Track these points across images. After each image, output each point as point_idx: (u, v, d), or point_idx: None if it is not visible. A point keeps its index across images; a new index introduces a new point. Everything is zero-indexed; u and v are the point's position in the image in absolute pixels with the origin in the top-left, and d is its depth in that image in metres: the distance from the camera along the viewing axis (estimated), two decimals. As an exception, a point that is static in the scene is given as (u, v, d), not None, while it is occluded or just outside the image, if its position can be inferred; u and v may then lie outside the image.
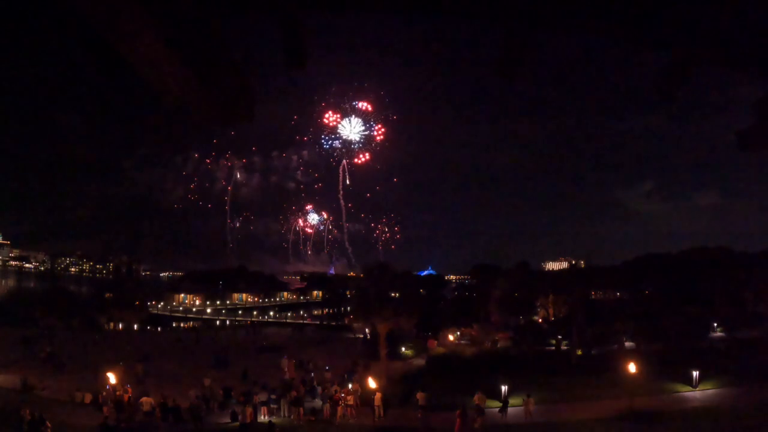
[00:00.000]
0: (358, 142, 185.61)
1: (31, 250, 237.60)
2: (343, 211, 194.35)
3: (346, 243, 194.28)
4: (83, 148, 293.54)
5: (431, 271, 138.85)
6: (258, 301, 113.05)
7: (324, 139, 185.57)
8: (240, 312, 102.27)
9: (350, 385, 30.50)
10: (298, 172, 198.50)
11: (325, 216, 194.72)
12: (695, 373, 28.78)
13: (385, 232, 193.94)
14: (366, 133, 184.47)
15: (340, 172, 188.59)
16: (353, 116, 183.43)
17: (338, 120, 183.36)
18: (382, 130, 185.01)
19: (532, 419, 25.17)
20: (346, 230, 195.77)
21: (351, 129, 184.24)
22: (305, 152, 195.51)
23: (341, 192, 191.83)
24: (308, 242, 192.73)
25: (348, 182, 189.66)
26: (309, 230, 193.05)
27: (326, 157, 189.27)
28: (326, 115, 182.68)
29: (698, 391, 28.40)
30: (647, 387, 27.40)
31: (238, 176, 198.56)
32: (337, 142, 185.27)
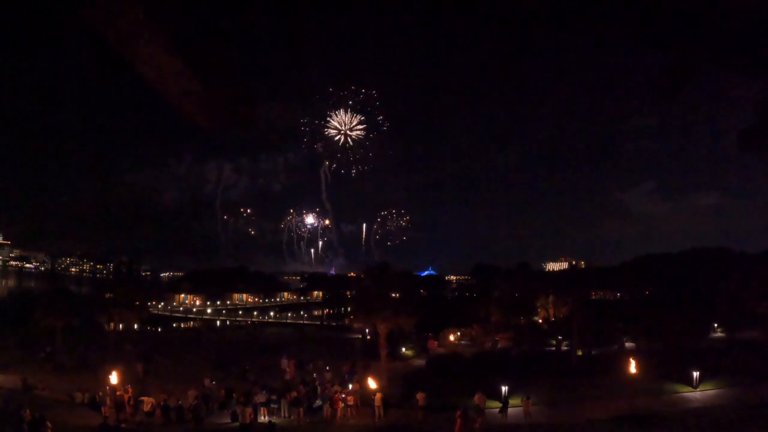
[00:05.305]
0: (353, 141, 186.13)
1: (31, 250, 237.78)
2: (330, 212, 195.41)
3: (336, 243, 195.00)
4: (83, 149, 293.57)
5: (431, 271, 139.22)
6: (258, 301, 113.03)
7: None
8: (240, 312, 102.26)
9: (350, 386, 30.50)
10: (282, 174, 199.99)
11: (320, 216, 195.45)
12: (695, 373, 28.76)
13: (395, 224, 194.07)
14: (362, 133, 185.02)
15: (322, 175, 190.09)
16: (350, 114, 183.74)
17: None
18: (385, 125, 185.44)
19: (532, 420, 25.16)
20: (334, 230, 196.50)
21: (346, 124, 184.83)
22: (292, 154, 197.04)
23: (324, 194, 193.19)
24: (302, 242, 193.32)
25: (330, 183, 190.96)
26: (324, 227, 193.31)
27: (313, 158, 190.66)
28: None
29: (698, 392, 28.38)
30: (647, 387, 27.38)
31: (230, 178, 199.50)
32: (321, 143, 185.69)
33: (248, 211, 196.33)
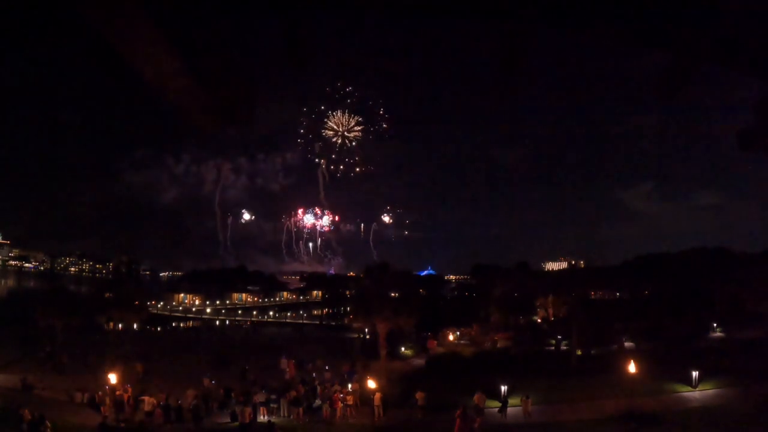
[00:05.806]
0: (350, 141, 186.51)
1: (31, 250, 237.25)
2: (329, 212, 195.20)
3: (335, 243, 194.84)
4: (83, 149, 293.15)
5: (431, 271, 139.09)
6: (257, 301, 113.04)
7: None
8: (240, 312, 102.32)
9: (350, 385, 30.50)
10: (281, 174, 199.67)
11: (318, 215, 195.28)
12: (695, 373, 28.75)
13: (394, 224, 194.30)
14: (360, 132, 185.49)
15: (320, 175, 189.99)
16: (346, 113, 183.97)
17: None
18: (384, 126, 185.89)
19: (532, 419, 25.18)
20: (333, 230, 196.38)
21: (344, 125, 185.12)
22: (289, 154, 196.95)
23: (322, 194, 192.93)
24: (301, 242, 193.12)
25: (328, 183, 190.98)
26: (323, 227, 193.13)
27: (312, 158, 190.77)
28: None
29: (698, 392, 28.37)
30: (647, 387, 27.37)
31: (228, 177, 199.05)
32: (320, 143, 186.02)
33: (247, 211, 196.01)
